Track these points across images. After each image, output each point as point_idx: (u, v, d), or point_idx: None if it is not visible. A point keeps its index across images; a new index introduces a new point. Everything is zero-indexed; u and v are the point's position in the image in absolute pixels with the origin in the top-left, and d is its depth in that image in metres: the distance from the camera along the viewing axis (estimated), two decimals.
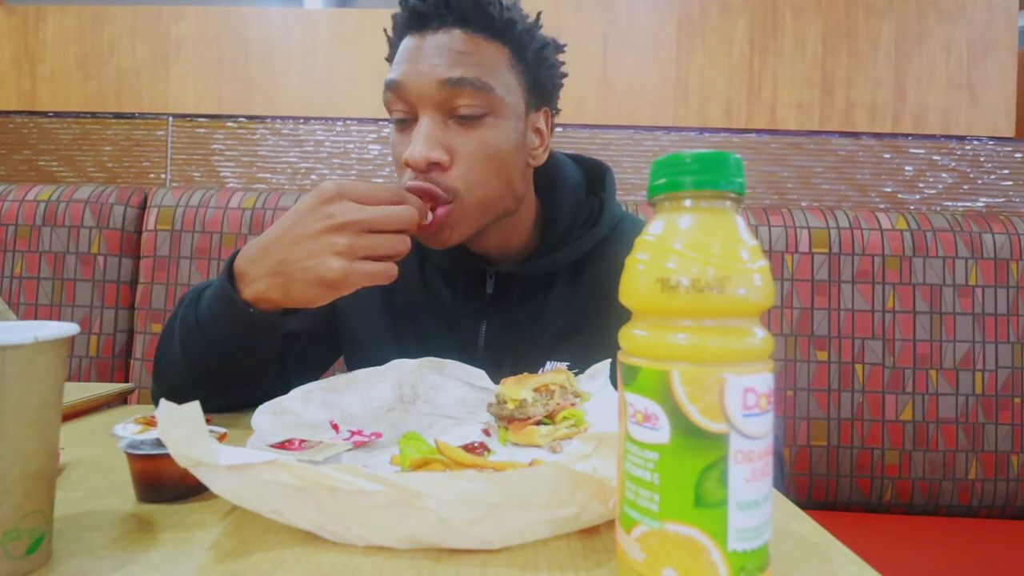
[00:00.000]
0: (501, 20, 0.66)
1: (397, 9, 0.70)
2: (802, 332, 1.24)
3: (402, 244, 0.58)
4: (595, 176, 0.82)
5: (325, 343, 0.85)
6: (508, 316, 0.77)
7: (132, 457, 0.42)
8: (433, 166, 0.64)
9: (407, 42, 0.67)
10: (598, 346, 0.63)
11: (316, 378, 0.63)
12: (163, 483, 0.42)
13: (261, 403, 0.55)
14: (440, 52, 0.64)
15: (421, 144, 0.63)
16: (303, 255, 0.55)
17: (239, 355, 0.64)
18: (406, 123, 0.67)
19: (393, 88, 0.66)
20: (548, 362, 0.70)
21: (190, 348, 0.65)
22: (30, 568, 0.33)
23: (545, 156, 0.76)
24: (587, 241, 0.77)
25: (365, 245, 0.55)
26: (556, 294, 0.77)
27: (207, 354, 0.64)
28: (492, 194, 0.68)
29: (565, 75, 0.76)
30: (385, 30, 0.73)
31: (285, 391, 0.58)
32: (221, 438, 0.47)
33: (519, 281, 0.77)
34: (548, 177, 0.79)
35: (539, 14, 0.72)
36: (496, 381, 0.65)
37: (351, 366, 0.83)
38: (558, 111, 0.78)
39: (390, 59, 0.71)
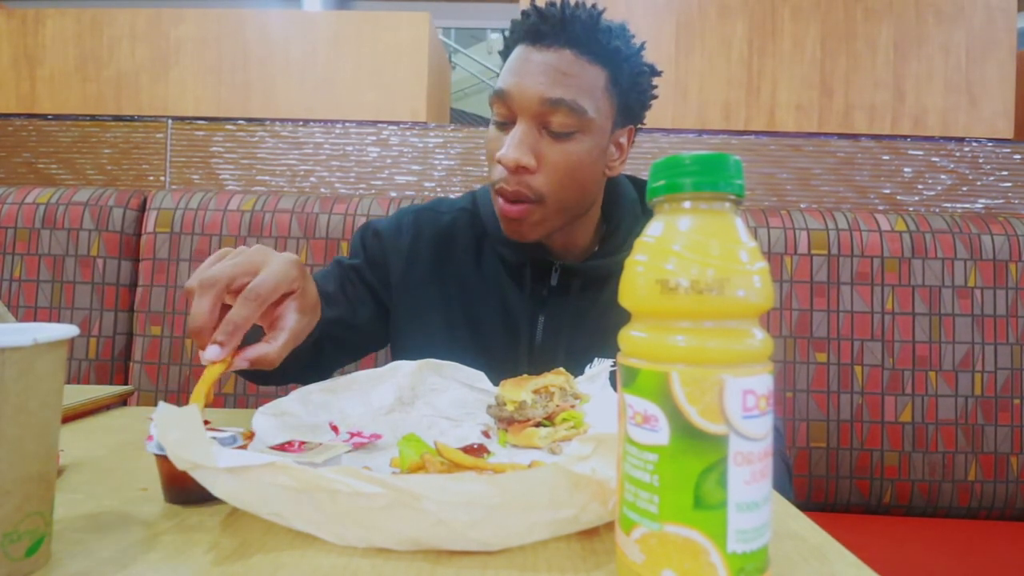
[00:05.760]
0: (607, 48, 0.73)
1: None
2: (801, 334, 1.24)
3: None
4: None
5: (363, 334, 0.87)
6: (565, 310, 0.82)
7: (160, 459, 0.43)
8: (522, 169, 0.71)
9: (519, 52, 0.74)
10: None
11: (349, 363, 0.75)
12: (189, 485, 0.42)
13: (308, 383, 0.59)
14: (547, 70, 0.71)
15: (515, 148, 0.70)
16: None
17: None
18: (505, 125, 0.74)
19: (499, 96, 0.73)
20: (596, 359, 0.76)
21: None
22: (30, 570, 0.33)
23: (622, 168, 0.82)
24: None
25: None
26: (608, 294, 0.82)
27: None
28: (570, 200, 0.76)
29: (655, 97, 0.81)
30: (503, 31, 0.79)
31: (322, 376, 0.62)
32: (248, 436, 0.47)
33: (581, 276, 0.82)
34: (610, 191, 0.85)
35: (643, 43, 0.77)
36: (549, 371, 0.67)
37: (398, 358, 0.87)
38: (642, 126, 0.84)
39: (504, 55, 0.78)
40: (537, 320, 0.82)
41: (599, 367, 0.67)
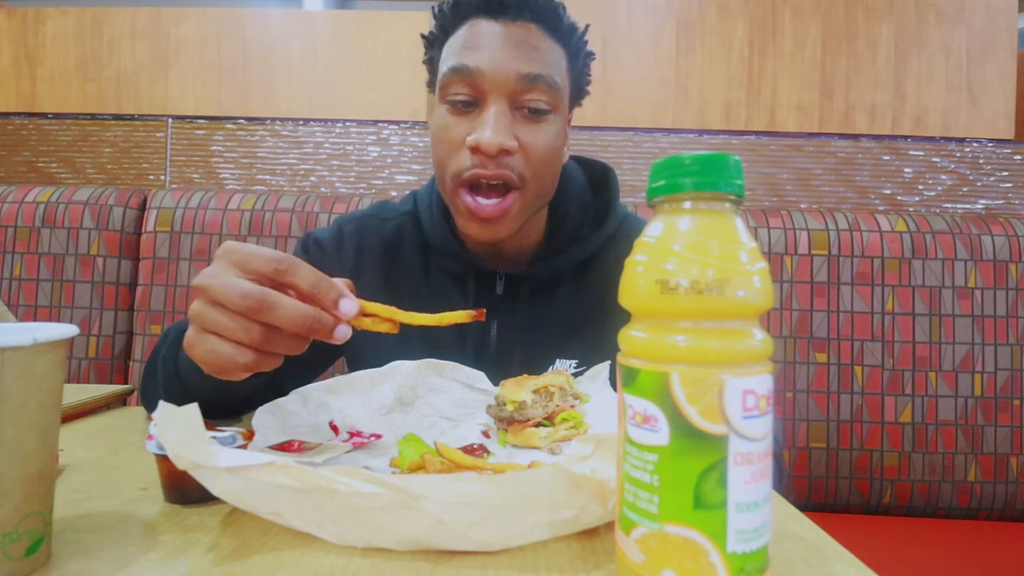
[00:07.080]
0: (567, 25, 0.69)
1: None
2: (801, 334, 1.24)
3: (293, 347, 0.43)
4: (599, 177, 0.83)
5: (323, 349, 0.82)
6: (517, 316, 0.78)
7: (160, 459, 0.43)
8: (503, 153, 0.65)
9: (479, 27, 0.67)
10: (602, 344, 0.63)
11: (310, 381, 0.61)
12: (189, 485, 0.42)
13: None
14: (520, 45, 0.65)
15: (494, 131, 0.64)
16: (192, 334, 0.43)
17: (215, 396, 0.60)
18: (468, 106, 0.66)
19: (465, 74, 0.65)
20: (557, 360, 0.71)
21: (167, 387, 0.62)
22: (29, 570, 0.33)
23: (568, 153, 0.78)
24: (594, 241, 0.78)
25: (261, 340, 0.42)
26: (563, 293, 0.78)
27: (185, 393, 0.60)
28: (545, 188, 0.71)
29: (590, 82, 0.78)
30: (433, 8, 0.71)
31: (277, 396, 0.56)
32: (248, 436, 0.46)
33: (528, 282, 0.78)
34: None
35: (587, 26, 0.73)
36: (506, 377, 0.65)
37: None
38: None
39: (432, 37, 0.71)
40: (490, 327, 0.78)
41: (598, 367, 0.67)
